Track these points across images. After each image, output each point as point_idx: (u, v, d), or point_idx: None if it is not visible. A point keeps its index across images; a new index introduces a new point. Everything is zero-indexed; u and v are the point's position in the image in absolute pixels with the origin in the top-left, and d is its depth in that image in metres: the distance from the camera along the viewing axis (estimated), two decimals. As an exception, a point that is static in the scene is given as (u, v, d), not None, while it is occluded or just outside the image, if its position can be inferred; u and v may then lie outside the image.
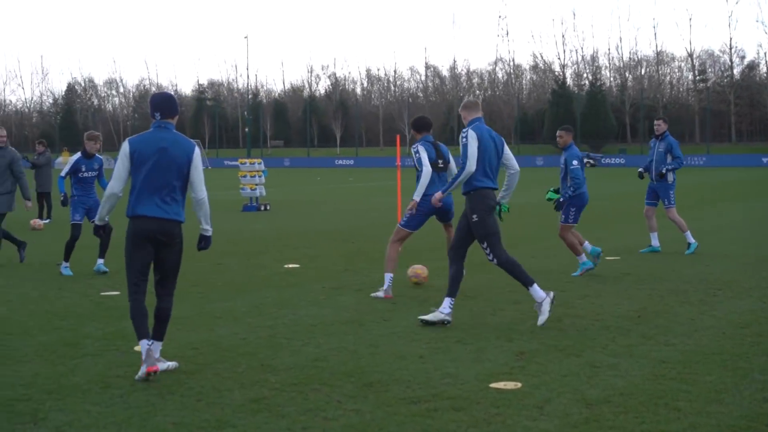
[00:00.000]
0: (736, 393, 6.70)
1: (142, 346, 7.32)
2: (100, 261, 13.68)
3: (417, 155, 11.07)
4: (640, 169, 16.19)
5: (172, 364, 7.56)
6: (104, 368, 7.60)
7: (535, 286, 9.28)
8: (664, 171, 15.42)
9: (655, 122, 16.01)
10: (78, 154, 14.01)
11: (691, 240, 15.36)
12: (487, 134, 9.56)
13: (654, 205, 15.79)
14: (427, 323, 9.28)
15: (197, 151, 7.51)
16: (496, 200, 9.57)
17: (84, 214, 13.93)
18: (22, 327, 9.38)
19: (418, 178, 11.03)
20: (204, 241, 7.73)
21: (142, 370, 7.19)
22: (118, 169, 7.41)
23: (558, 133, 13.14)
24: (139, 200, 7.36)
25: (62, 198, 14.01)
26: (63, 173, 13.95)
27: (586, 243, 13.04)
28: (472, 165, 9.31)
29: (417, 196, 10.91)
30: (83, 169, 13.84)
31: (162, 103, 7.56)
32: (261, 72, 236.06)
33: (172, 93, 7.64)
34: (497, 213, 9.65)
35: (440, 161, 11.27)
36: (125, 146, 7.42)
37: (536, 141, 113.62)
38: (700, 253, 15.13)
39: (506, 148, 9.78)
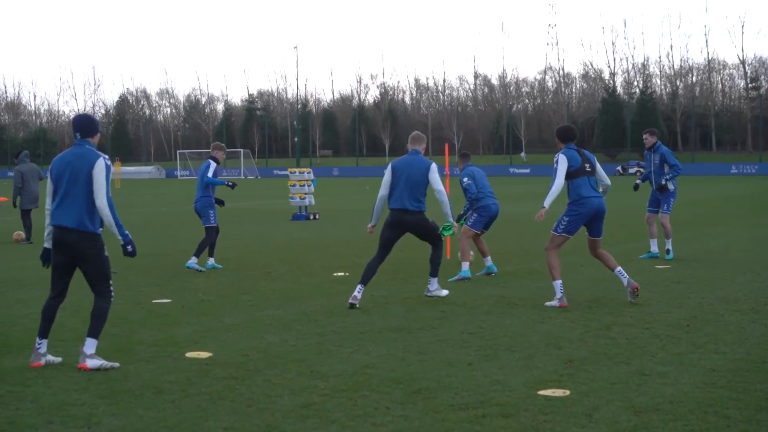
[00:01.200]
0: (788, 401, 6.64)
1: (36, 342, 8.09)
2: (211, 260, 15.29)
3: (555, 165, 11.20)
4: (637, 182, 16.65)
5: (110, 364, 7.92)
6: (156, 374, 7.71)
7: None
8: (663, 182, 15.64)
9: (644, 136, 16.26)
10: (213, 162, 15.52)
11: (670, 247, 15.71)
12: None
13: (655, 213, 16.06)
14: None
15: (101, 161, 7.93)
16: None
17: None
18: (75, 333, 9.52)
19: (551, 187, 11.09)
20: (123, 250, 8.27)
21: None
22: (47, 187, 8.17)
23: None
24: (54, 211, 8.02)
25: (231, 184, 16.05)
26: (210, 174, 15.30)
27: (488, 258, 13.96)
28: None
29: (547, 204, 11.06)
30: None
31: (81, 124, 8.17)
32: (310, 82, 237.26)
33: (92, 114, 8.34)
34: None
35: (587, 165, 11.24)
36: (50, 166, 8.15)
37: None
38: (751, 262, 14.99)
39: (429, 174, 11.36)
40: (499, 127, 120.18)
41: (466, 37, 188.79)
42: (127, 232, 8.16)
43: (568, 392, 6.94)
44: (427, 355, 8.33)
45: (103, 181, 7.90)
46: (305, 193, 27.88)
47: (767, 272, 13.72)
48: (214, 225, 15.17)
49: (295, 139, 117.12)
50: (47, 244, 8.20)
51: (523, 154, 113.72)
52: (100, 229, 8.07)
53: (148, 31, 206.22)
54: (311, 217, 27.86)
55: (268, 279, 13.80)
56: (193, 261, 14.81)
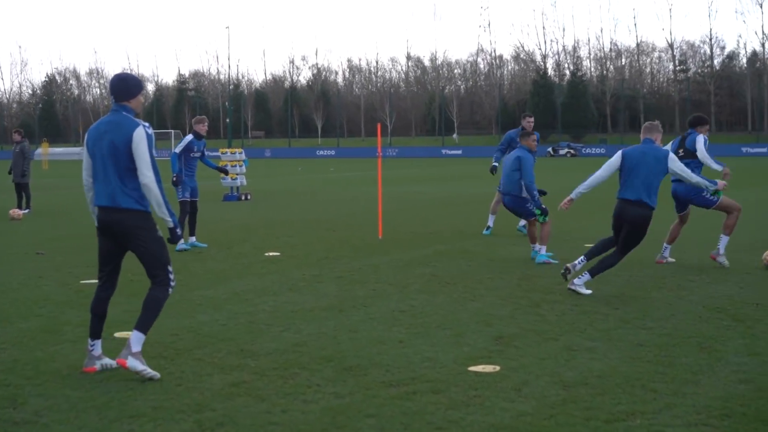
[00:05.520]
0: (712, 375, 6.77)
1: (89, 344, 7.16)
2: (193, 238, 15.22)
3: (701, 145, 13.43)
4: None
5: (151, 373, 6.78)
6: (84, 354, 7.58)
7: None
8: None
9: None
10: (191, 135, 15.16)
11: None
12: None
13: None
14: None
15: (140, 131, 6.84)
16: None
17: (190, 193, 15.12)
18: (1, 314, 9.36)
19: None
20: (172, 235, 7.27)
21: None
22: (83, 161, 7.15)
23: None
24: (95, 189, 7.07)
25: (174, 178, 14.84)
26: (177, 150, 14.95)
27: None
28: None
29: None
30: (194, 150, 15.06)
31: (113, 86, 7.10)
32: (242, 62, 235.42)
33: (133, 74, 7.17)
34: None
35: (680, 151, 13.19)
36: None
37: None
38: (679, 240, 15.19)
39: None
40: (432, 108, 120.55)
41: (399, 19, 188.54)
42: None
43: (498, 368, 6.98)
44: (358, 333, 8.32)
45: (146, 153, 6.80)
46: (237, 174, 27.71)
47: (692, 250, 13.95)
48: (180, 200, 15.04)
49: (227, 120, 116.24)
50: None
51: (455, 135, 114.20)
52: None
53: (77, 9, 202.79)
54: (243, 197, 27.70)
55: (199, 259, 13.67)
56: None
